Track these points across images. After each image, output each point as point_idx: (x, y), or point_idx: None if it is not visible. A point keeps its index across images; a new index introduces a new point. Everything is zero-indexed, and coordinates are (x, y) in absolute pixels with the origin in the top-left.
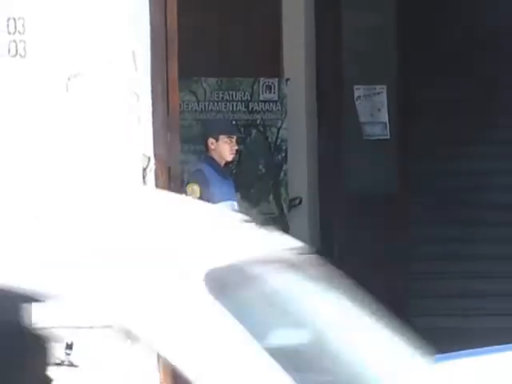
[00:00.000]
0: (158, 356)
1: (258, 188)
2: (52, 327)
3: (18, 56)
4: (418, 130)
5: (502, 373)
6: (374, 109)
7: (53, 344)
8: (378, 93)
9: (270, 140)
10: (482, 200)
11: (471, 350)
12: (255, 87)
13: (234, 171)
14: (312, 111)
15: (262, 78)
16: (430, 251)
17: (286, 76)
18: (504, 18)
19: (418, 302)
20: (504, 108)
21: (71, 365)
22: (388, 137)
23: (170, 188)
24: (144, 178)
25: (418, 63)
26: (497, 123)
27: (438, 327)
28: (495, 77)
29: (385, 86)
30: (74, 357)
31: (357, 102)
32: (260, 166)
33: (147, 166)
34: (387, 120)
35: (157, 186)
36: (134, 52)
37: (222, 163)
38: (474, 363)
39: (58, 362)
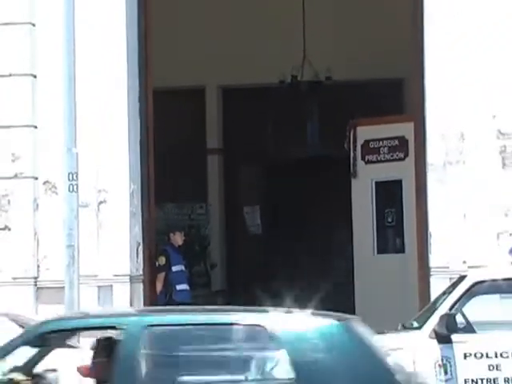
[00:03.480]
0: None
1: (195, 258)
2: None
3: (73, 192)
4: (274, 228)
5: None
6: (253, 218)
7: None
8: (254, 211)
9: (201, 234)
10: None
11: None
12: (194, 207)
13: (183, 249)
14: (222, 221)
15: (198, 204)
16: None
17: (209, 202)
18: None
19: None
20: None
21: None
22: (260, 232)
23: (150, 258)
24: (137, 253)
25: (278, 195)
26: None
27: None
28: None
29: (258, 206)
30: None
31: (245, 215)
32: (196, 247)
33: (138, 247)
34: (260, 224)
35: (144, 259)
36: (133, 190)
37: (177, 245)
38: None
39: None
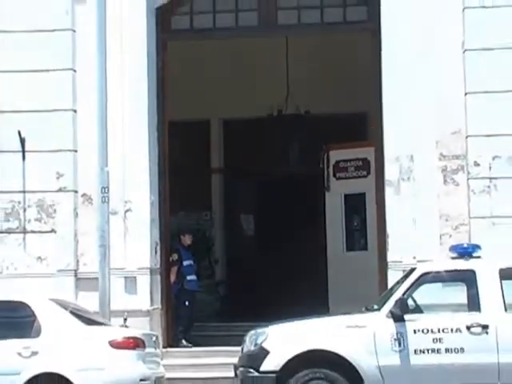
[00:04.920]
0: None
1: (201, 255)
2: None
3: (105, 203)
4: (264, 231)
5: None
6: (248, 223)
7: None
8: (248, 217)
9: (206, 236)
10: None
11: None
12: (200, 215)
13: (192, 248)
14: (223, 225)
15: (203, 212)
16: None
17: (213, 210)
18: None
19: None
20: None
21: (126, 326)
22: (253, 234)
23: (166, 255)
24: (156, 251)
25: (268, 205)
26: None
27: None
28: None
29: (252, 215)
30: (127, 324)
31: (242, 221)
32: (202, 246)
33: (157, 246)
34: (253, 227)
35: (161, 255)
36: (152, 201)
37: (187, 245)
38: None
39: (120, 325)
